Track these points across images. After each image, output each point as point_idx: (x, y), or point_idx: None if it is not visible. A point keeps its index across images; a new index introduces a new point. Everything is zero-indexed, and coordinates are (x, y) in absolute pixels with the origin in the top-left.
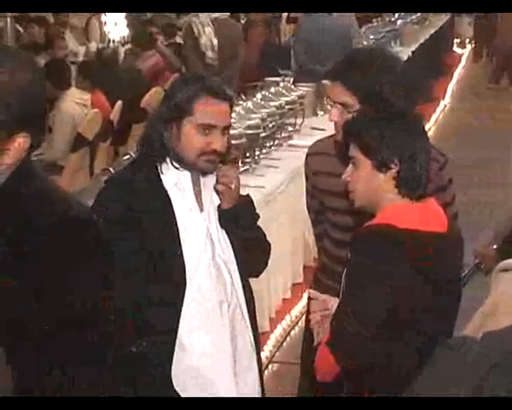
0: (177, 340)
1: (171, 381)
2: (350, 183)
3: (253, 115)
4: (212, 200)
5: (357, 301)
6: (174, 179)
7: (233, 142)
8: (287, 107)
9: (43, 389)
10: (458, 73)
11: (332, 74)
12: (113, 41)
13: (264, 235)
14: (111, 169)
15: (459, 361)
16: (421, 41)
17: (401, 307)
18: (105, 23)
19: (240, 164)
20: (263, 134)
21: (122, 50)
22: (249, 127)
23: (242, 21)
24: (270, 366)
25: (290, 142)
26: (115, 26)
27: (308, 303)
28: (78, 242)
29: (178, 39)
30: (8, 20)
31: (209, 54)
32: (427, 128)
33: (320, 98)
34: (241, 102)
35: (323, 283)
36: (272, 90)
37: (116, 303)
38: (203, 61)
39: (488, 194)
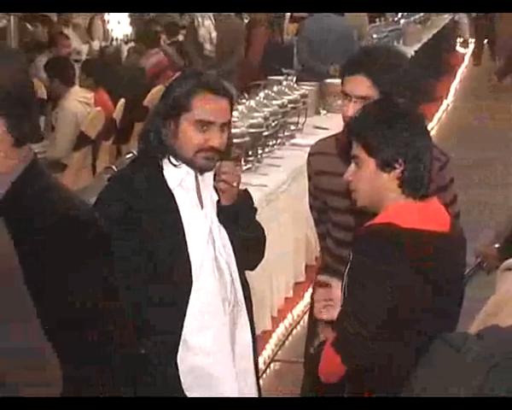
0: (182, 339)
1: (179, 380)
2: (352, 182)
3: (256, 114)
4: (211, 197)
5: (357, 301)
6: (179, 178)
7: (235, 140)
8: (289, 106)
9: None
10: (461, 72)
11: (353, 67)
12: (117, 39)
13: (262, 229)
14: (113, 167)
15: (459, 361)
16: (424, 40)
17: (402, 307)
18: (108, 21)
19: (242, 163)
20: (265, 133)
21: (125, 49)
22: (252, 126)
23: (246, 21)
24: (272, 365)
25: (293, 141)
26: (118, 24)
27: (311, 300)
28: (79, 241)
29: (181, 38)
30: (12, 18)
31: (207, 46)
32: (429, 128)
33: (323, 97)
34: (243, 101)
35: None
36: (275, 88)
37: (120, 303)
38: (201, 53)
39: (489, 194)
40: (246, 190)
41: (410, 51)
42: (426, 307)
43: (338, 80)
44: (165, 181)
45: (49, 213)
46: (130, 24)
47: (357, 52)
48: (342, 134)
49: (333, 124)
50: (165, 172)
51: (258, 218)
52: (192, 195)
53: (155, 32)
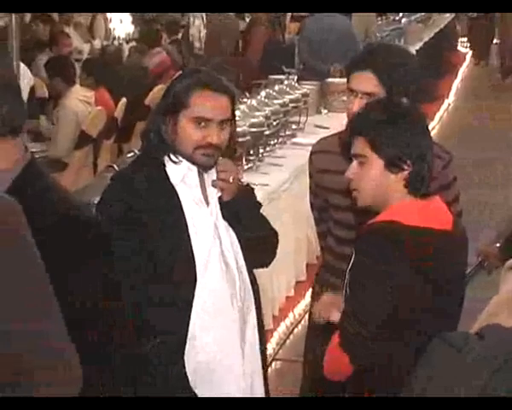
0: (188, 337)
1: (185, 379)
2: (354, 181)
3: (257, 113)
4: (216, 195)
5: (358, 301)
6: (181, 175)
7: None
8: (291, 105)
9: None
10: (462, 71)
11: (360, 64)
12: (119, 38)
13: (269, 224)
14: (115, 166)
15: (460, 361)
16: (426, 40)
17: (404, 307)
18: (110, 20)
19: (244, 162)
20: (267, 132)
21: (126, 48)
22: (253, 125)
23: (247, 19)
24: (273, 364)
25: (294, 140)
26: (120, 23)
27: (311, 302)
28: (78, 241)
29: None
30: (13, 17)
31: (196, 44)
32: (431, 127)
33: (324, 96)
34: (245, 100)
35: (326, 280)
36: (276, 88)
37: (122, 303)
38: (191, 51)
39: (489, 194)
40: (248, 186)
41: (411, 50)
42: (428, 306)
43: (339, 80)
44: (167, 178)
45: (49, 214)
46: (132, 23)
47: (364, 49)
48: (345, 132)
49: (334, 123)
50: (167, 170)
51: None
52: (196, 191)
53: (157, 31)
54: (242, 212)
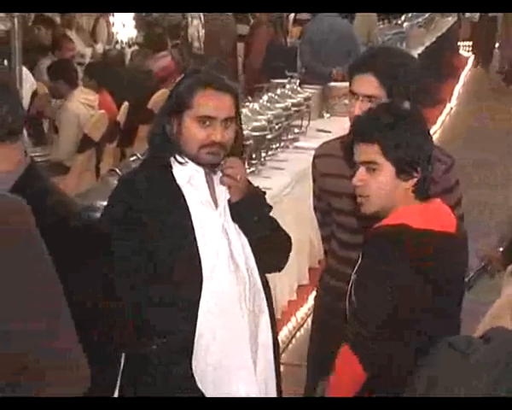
0: (196, 338)
1: (194, 378)
2: (362, 187)
3: (259, 117)
4: (226, 196)
5: (362, 301)
6: (187, 176)
7: None
8: (293, 109)
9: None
10: (464, 75)
11: (362, 67)
12: (121, 42)
13: (281, 228)
14: (117, 170)
15: (464, 365)
16: (428, 44)
17: (408, 307)
18: (113, 24)
19: (246, 166)
20: (269, 136)
21: (129, 52)
22: (255, 129)
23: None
24: None
25: (296, 144)
26: (123, 27)
27: (315, 303)
28: (76, 243)
29: None
30: (16, 21)
31: (195, 44)
32: (433, 131)
33: (326, 100)
34: (247, 104)
35: (329, 284)
36: (278, 91)
37: (122, 303)
38: (190, 51)
39: (489, 194)
40: (258, 188)
41: (413, 54)
42: (430, 307)
43: (341, 83)
44: (173, 180)
45: (48, 215)
46: (135, 27)
47: (366, 52)
48: (347, 136)
49: (336, 127)
50: (173, 171)
51: None
52: (203, 193)
53: (161, 34)
54: (252, 214)
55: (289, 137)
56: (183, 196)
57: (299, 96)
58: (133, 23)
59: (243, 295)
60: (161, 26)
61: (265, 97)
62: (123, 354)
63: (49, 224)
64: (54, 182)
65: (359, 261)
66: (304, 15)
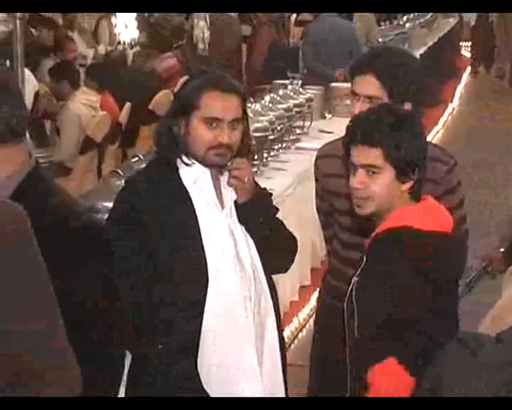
0: (201, 339)
1: (199, 379)
2: (363, 190)
3: (262, 118)
4: (232, 197)
5: (371, 303)
6: (193, 177)
7: None
8: (295, 109)
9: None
10: (466, 76)
11: (363, 67)
12: (124, 43)
13: (287, 229)
14: (119, 171)
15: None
16: (430, 44)
17: (412, 308)
18: (115, 25)
19: None
20: (271, 137)
21: (131, 53)
22: (257, 130)
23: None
24: None
25: (298, 144)
26: (126, 28)
27: (317, 307)
28: (78, 244)
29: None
30: (18, 22)
31: (200, 45)
32: (435, 131)
33: (328, 101)
34: (249, 105)
35: (332, 284)
36: (280, 92)
37: (135, 303)
38: (195, 53)
39: (489, 195)
40: (265, 189)
41: (415, 55)
42: (433, 307)
43: (343, 84)
44: (180, 180)
45: (50, 216)
46: (138, 28)
47: (367, 53)
48: (344, 137)
49: (338, 128)
50: (180, 172)
51: None
52: (210, 194)
53: (166, 36)
54: (258, 215)
55: (291, 137)
56: (190, 197)
57: (301, 96)
58: (135, 24)
59: (248, 296)
60: (164, 28)
61: (267, 98)
62: (127, 355)
63: (50, 224)
64: (57, 183)
65: (362, 264)
66: (306, 16)
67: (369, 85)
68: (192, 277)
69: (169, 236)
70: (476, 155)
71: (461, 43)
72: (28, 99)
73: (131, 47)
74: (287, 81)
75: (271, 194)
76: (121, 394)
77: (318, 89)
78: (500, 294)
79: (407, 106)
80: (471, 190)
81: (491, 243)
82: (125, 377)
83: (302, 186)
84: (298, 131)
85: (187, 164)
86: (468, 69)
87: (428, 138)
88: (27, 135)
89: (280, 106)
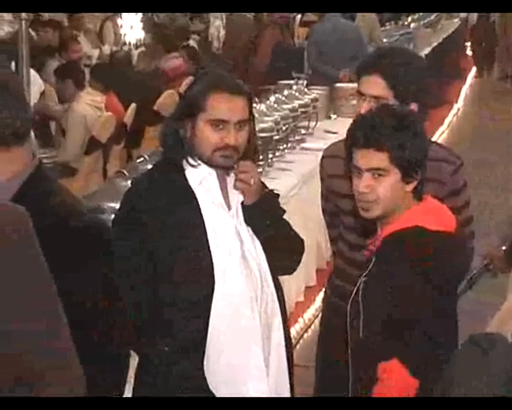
0: (208, 339)
1: (205, 379)
2: (370, 193)
3: (267, 118)
4: (239, 198)
5: (381, 304)
6: (199, 178)
7: None
8: (300, 110)
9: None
10: (471, 76)
11: (369, 68)
12: (129, 44)
13: (294, 230)
14: (125, 172)
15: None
16: (435, 44)
17: (419, 308)
18: (121, 26)
19: None
20: (276, 137)
21: (136, 53)
22: (262, 130)
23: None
24: None
25: (303, 145)
26: (131, 29)
27: (322, 307)
28: (77, 243)
29: (192, 43)
30: (23, 23)
31: (215, 43)
32: (440, 132)
33: (333, 101)
34: (254, 105)
35: (337, 285)
36: (285, 93)
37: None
38: (209, 50)
39: (489, 195)
40: (271, 191)
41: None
42: (439, 307)
43: (348, 84)
44: (186, 181)
45: (49, 215)
46: (143, 28)
47: (374, 53)
48: (347, 139)
49: (343, 128)
50: (186, 173)
51: None
52: (216, 195)
53: (172, 36)
54: (265, 216)
55: (296, 138)
56: (196, 197)
57: (306, 97)
58: (141, 25)
59: (255, 297)
60: (169, 28)
61: (272, 98)
62: (133, 355)
63: (51, 224)
64: (61, 184)
65: (371, 265)
66: (311, 16)
67: (376, 86)
68: (198, 277)
69: (175, 236)
70: (478, 155)
71: (466, 44)
72: (34, 99)
73: (136, 47)
74: (292, 81)
75: (278, 195)
76: (127, 394)
77: (323, 89)
78: (500, 293)
79: (413, 106)
80: (471, 190)
81: (491, 243)
82: (131, 378)
83: (307, 187)
84: (303, 131)
85: (193, 165)
86: (474, 70)
87: (433, 139)
88: (32, 135)
89: (285, 106)
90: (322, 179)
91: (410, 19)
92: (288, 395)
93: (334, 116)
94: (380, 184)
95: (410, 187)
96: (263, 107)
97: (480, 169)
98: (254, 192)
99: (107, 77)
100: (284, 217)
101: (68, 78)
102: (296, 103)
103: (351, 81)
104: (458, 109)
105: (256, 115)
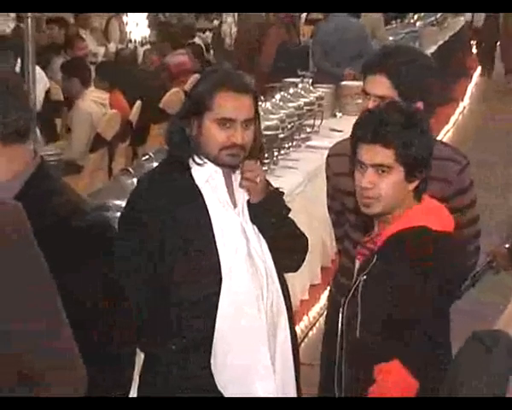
0: (214, 338)
1: (213, 378)
2: (373, 190)
3: (272, 116)
4: (245, 196)
5: (383, 302)
6: (205, 176)
7: None
8: (305, 108)
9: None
10: (477, 75)
11: (374, 67)
12: (135, 41)
13: (299, 229)
14: (130, 169)
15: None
16: (440, 43)
17: (420, 308)
18: (126, 23)
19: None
20: (281, 135)
21: (141, 51)
22: (268, 128)
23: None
24: None
25: (308, 143)
26: (136, 26)
27: (327, 306)
28: (79, 242)
29: (197, 40)
30: (29, 20)
31: (227, 40)
32: (445, 130)
33: (338, 99)
34: (259, 103)
35: (342, 283)
36: (291, 91)
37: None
38: (222, 47)
39: (489, 195)
40: (277, 189)
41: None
42: (440, 307)
43: (353, 83)
44: (192, 179)
45: (50, 215)
46: (148, 26)
47: (379, 52)
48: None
49: (348, 126)
50: (192, 171)
51: None
52: (222, 193)
53: (178, 34)
54: (270, 215)
55: (302, 136)
56: (202, 195)
57: (311, 95)
58: (146, 22)
59: (261, 295)
60: (174, 27)
61: (278, 96)
62: (139, 354)
63: (53, 223)
64: (64, 182)
65: (371, 264)
66: (316, 14)
67: (381, 85)
68: (205, 275)
69: (181, 235)
70: (479, 156)
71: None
72: (39, 97)
73: (142, 45)
74: (297, 79)
75: (283, 193)
76: (133, 393)
77: (329, 87)
78: (500, 293)
79: (419, 104)
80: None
81: (492, 243)
82: (136, 377)
83: (312, 185)
84: (308, 129)
85: (199, 163)
86: (479, 68)
87: (439, 137)
88: (38, 131)
89: (290, 104)
90: (328, 178)
91: (415, 17)
92: (294, 392)
93: (339, 114)
94: (382, 181)
95: (412, 186)
96: (268, 105)
97: (481, 169)
98: (260, 191)
99: (112, 74)
100: (289, 215)
101: (74, 76)
102: (301, 101)
103: (355, 79)
104: (464, 107)
105: (261, 113)
